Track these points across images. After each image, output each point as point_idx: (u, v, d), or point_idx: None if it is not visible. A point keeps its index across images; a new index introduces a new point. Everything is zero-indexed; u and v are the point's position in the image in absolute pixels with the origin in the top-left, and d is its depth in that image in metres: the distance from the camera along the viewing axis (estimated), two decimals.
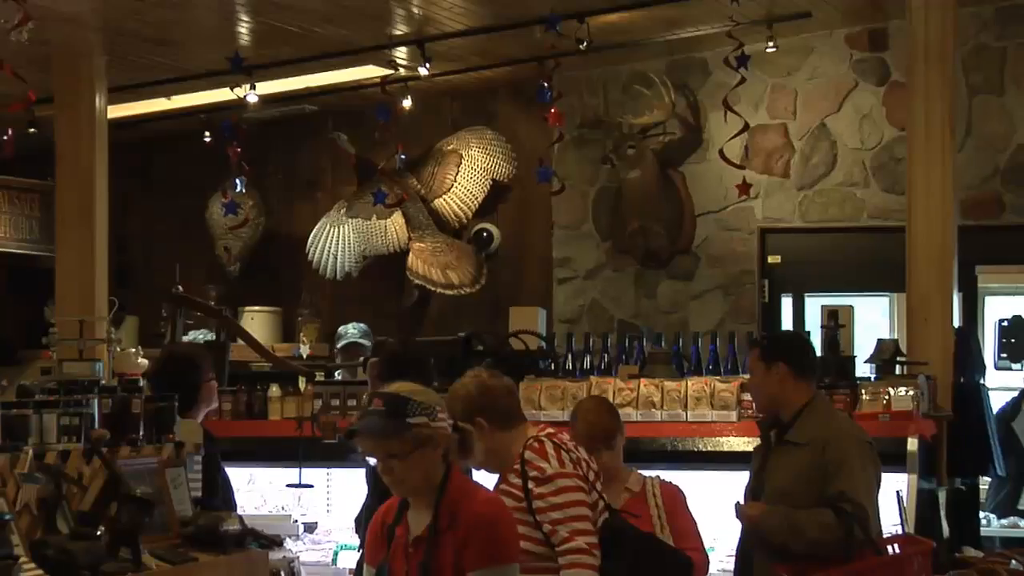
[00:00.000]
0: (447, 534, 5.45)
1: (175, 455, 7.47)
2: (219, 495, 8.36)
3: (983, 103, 12.59)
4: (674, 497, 7.71)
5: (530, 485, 6.33)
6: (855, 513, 7.32)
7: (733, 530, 7.95)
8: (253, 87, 11.88)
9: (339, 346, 13.04)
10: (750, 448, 8.23)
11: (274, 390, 10.52)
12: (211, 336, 13.01)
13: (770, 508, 7.35)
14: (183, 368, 8.86)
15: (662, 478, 7.76)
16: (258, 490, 10.40)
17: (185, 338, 12.60)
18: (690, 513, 7.72)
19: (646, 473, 7.73)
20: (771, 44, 12.02)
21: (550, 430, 6.65)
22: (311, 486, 9.57)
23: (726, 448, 8.69)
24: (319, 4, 10.94)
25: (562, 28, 11.00)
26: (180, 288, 12.90)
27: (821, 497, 7.31)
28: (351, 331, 13.14)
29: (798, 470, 7.40)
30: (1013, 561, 8.84)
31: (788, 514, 7.29)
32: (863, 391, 9.30)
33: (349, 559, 9.26)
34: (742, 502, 7.46)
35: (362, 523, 9.12)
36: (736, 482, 8.01)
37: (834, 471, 7.35)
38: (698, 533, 7.64)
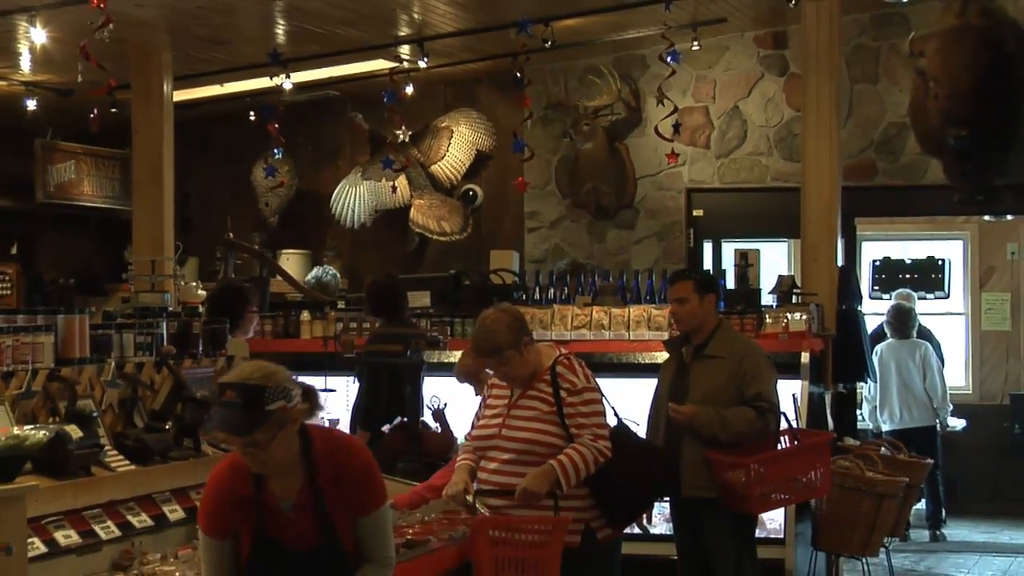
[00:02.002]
0: (330, 489, 4.63)
1: (226, 366, 7.51)
2: None
3: (861, 90, 12.60)
4: None
5: (563, 394, 6.35)
6: (771, 410, 7.45)
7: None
8: (288, 76, 11.85)
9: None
10: None
11: (305, 315, 10.55)
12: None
13: (701, 408, 7.34)
14: (233, 298, 8.88)
15: None
16: None
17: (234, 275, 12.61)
18: None
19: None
20: (695, 44, 11.99)
21: (565, 350, 6.67)
22: (334, 390, 9.57)
23: (659, 361, 8.73)
24: (340, 11, 10.92)
25: (532, 30, 11.00)
26: (231, 235, 12.91)
27: (741, 398, 7.38)
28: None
29: (721, 377, 7.42)
30: (883, 448, 8.94)
31: (717, 412, 7.30)
32: (767, 316, 9.36)
33: None
34: (673, 406, 7.47)
35: (355, 413, 9.23)
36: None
37: (751, 377, 7.41)
38: None
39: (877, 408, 13.07)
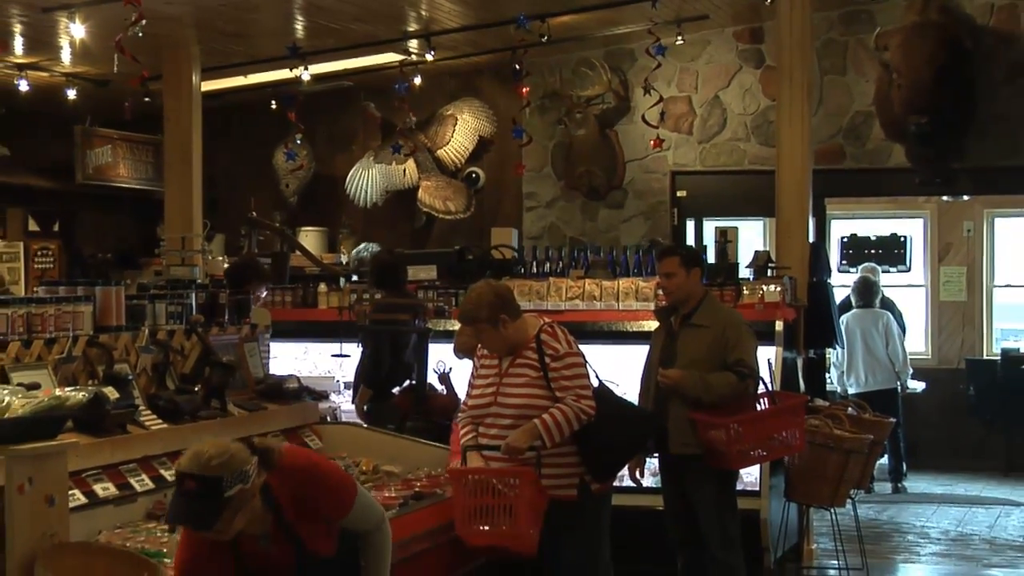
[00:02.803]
0: (299, 518, 4.41)
1: (250, 333, 7.51)
2: None
3: (831, 81, 12.56)
4: None
5: (547, 360, 6.34)
6: (750, 375, 7.46)
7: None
8: (306, 68, 11.83)
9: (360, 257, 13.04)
10: None
11: (322, 287, 10.51)
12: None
13: (686, 372, 7.36)
14: (243, 272, 8.97)
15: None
16: (311, 359, 10.41)
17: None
18: None
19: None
20: (679, 39, 11.94)
21: (548, 319, 6.65)
22: (348, 356, 9.59)
23: (647, 328, 8.70)
24: (353, 8, 10.88)
25: (529, 26, 10.99)
26: (254, 213, 12.89)
27: (724, 363, 7.39)
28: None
29: (706, 344, 7.43)
30: (849, 408, 8.94)
31: (702, 376, 7.31)
32: (744, 288, 9.34)
33: None
34: (663, 370, 7.49)
35: (357, 375, 9.24)
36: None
37: (733, 345, 7.42)
38: None
39: (844, 372, 13.10)
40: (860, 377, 12.94)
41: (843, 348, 12.44)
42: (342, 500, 4.58)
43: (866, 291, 13.20)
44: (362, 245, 13.59)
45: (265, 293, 9.48)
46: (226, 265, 11.07)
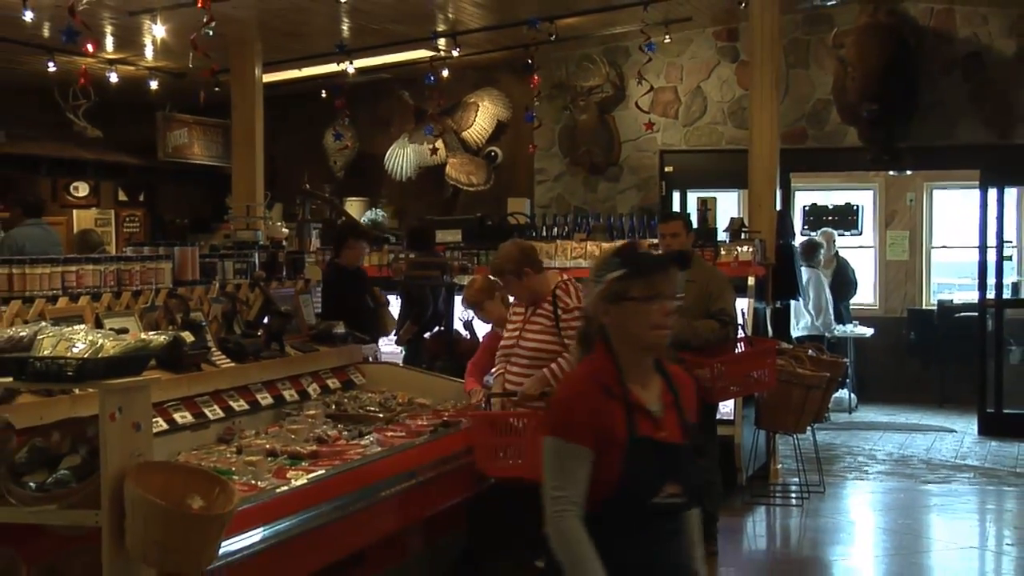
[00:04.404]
0: (681, 392, 3.67)
1: (304, 286, 7.50)
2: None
3: (796, 74, 12.50)
4: None
5: (559, 312, 6.31)
6: (730, 322, 7.47)
7: None
8: (351, 63, 11.78)
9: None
10: None
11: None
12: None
13: (676, 319, 7.33)
14: (340, 231, 9.24)
15: None
16: None
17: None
18: None
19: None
20: (667, 37, 11.87)
21: (567, 276, 6.60)
22: (388, 303, 9.58)
23: None
24: (391, 12, 10.83)
25: (540, 27, 10.95)
26: (307, 186, 12.90)
27: (708, 312, 7.39)
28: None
29: (693, 296, 7.32)
30: (810, 351, 8.92)
31: (689, 322, 7.28)
32: (722, 249, 9.31)
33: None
34: None
35: (400, 319, 9.25)
36: None
37: (716, 296, 7.42)
38: None
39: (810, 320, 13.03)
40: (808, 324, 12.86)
41: (804, 300, 12.42)
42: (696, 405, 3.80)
43: (809, 250, 12.98)
44: (369, 211, 13.69)
45: (367, 250, 9.61)
46: (284, 229, 11.06)
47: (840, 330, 13.09)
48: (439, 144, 13.91)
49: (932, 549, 8.00)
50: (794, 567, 7.55)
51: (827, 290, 12.93)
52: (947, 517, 8.93)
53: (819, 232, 13.99)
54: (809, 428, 8.85)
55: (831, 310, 12.93)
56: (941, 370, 13.94)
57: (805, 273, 12.82)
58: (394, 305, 9.49)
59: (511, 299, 6.78)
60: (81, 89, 11.12)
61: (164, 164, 14.06)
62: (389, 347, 9.44)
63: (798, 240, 12.44)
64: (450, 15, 11.41)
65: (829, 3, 12.15)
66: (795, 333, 12.57)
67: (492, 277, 6.88)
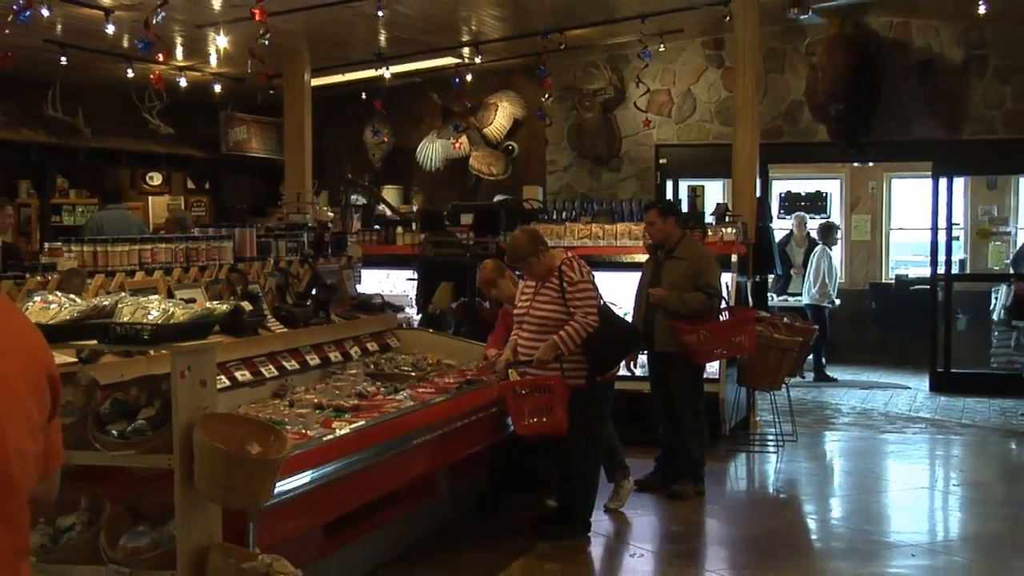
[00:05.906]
0: None
1: (347, 263, 7.50)
2: None
3: (773, 79, 12.41)
4: None
5: (564, 285, 6.26)
6: (715, 295, 7.44)
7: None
8: (387, 68, 11.76)
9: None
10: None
11: (399, 229, 10.44)
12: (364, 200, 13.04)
13: (669, 291, 7.34)
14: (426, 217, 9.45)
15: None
16: (391, 281, 10.41)
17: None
18: None
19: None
20: (662, 46, 11.83)
21: (571, 254, 6.55)
22: (415, 277, 9.58)
23: (638, 260, 8.63)
24: (422, 23, 10.78)
25: (551, 37, 10.95)
26: (350, 176, 12.88)
27: (696, 285, 7.36)
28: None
29: (683, 272, 7.39)
30: (785, 318, 8.88)
31: (679, 295, 7.29)
32: (708, 230, 9.25)
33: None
34: (651, 290, 7.43)
35: (416, 302, 9.23)
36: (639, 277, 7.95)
37: (703, 272, 7.38)
38: None
39: (779, 290, 13.00)
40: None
41: (781, 273, 12.43)
42: None
43: (825, 232, 12.97)
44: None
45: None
46: (330, 213, 11.04)
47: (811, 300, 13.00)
48: (464, 139, 13.87)
49: (889, 489, 7.98)
50: (770, 504, 7.54)
51: (830, 266, 12.88)
52: (902, 461, 8.90)
53: (793, 215, 13.93)
54: (784, 385, 8.82)
55: (834, 284, 12.88)
56: (898, 335, 13.91)
57: (816, 250, 12.79)
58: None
59: (519, 277, 6.74)
60: (155, 92, 11.15)
61: (226, 157, 14.05)
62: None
63: (778, 223, 12.40)
64: (473, 27, 11.37)
65: (802, 17, 12.07)
66: (803, 301, 12.62)
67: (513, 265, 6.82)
